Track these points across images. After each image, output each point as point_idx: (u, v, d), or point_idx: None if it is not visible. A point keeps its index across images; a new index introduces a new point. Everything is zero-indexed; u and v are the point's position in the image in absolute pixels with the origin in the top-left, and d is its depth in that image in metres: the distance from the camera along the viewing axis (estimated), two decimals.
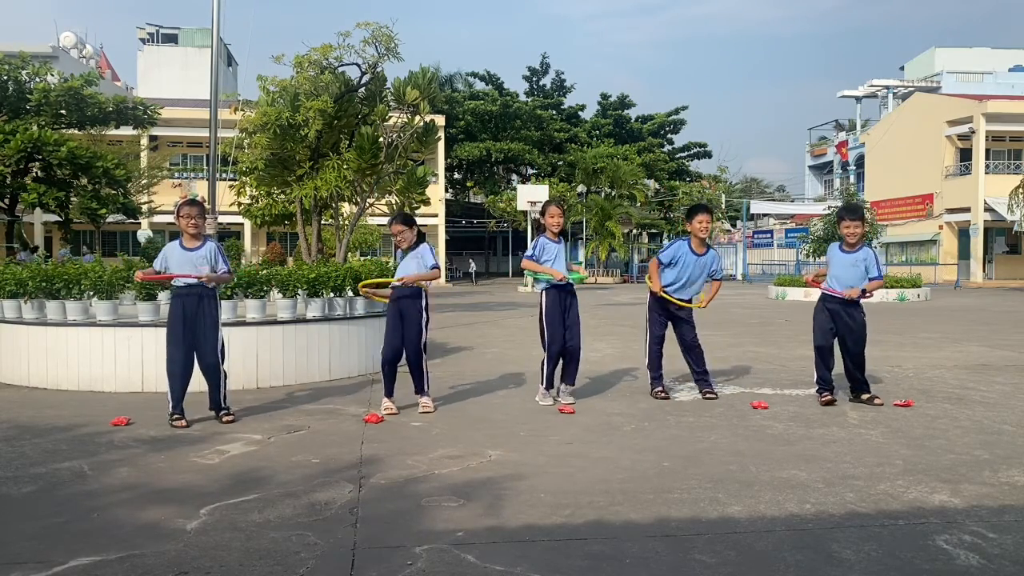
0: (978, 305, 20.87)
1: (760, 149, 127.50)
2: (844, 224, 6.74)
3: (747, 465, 4.81)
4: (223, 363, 6.14)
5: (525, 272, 6.98)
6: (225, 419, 6.02)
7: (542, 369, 6.79)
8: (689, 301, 7.03)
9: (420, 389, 6.48)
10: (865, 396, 6.72)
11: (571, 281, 6.67)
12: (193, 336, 6.02)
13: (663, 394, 6.99)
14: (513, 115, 45.62)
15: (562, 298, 6.67)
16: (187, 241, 6.05)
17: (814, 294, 6.98)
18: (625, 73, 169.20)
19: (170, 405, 5.97)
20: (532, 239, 7.03)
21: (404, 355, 6.42)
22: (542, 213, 6.82)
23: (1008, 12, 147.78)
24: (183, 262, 5.99)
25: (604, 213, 39.63)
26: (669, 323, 7.11)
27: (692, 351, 7.08)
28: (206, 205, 6.29)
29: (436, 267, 6.37)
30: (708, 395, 6.99)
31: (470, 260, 44.67)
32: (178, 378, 6.01)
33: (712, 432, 5.71)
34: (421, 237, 6.54)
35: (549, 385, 6.80)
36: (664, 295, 6.96)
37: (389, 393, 6.41)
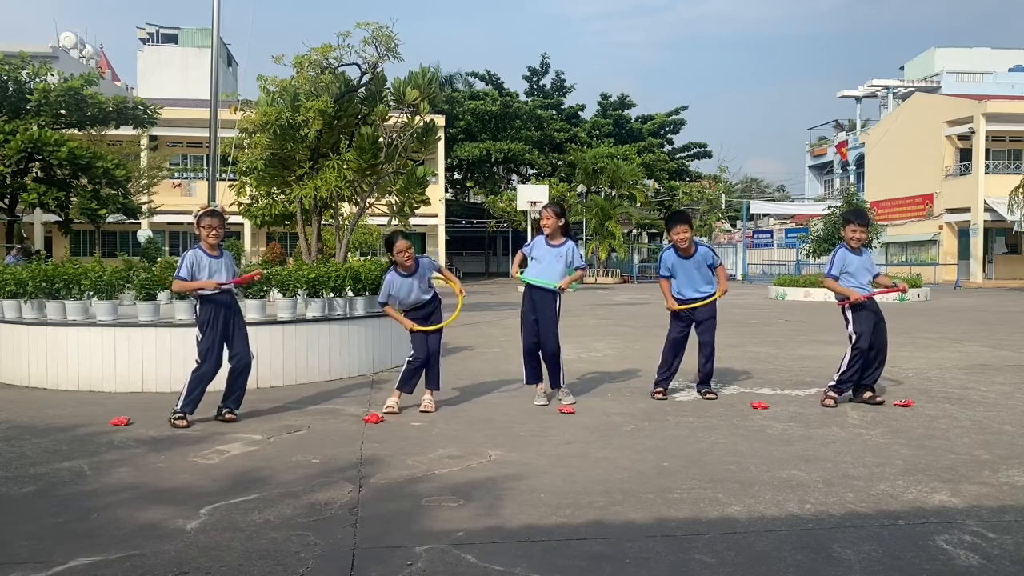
0: (978, 305, 20.87)
1: (760, 149, 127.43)
2: (851, 228, 6.76)
3: (747, 465, 4.81)
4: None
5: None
6: (228, 417, 6.03)
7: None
8: (707, 297, 6.98)
9: (436, 385, 6.58)
10: (867, 395, 6.73)
11: (529, 282, 6.67)
12: (229, 339, 6.08)
13: (661, 395, 7.01)
14: (513, 115, 45.60)
15: (532, 298, 6.72)
16: (208, 249, 6.06)
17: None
18: (625, 73, 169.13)
19: (180, 405, 5.95)
20: (532, 238, 7.07)
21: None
22: (539, 215, 6.97)
23: (1008, 12, 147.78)
24: (213, 269, 6.01)
25: (604, 213, 39.61)
26: (690, 328, 7.06)
27: (705, 349, 7.06)
28: (225, 213, 6.31)
29: (439, 269, 6.73)
30: (708, 395, 7.00)
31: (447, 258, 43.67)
32: (208, 384, 6.03)
33: (712, 432, 5.71)
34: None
35: (528, 380, 6.85)
36: (681, 309, 6.94)
37: (406, 390, 6.44)
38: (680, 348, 7.07)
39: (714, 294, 7.01)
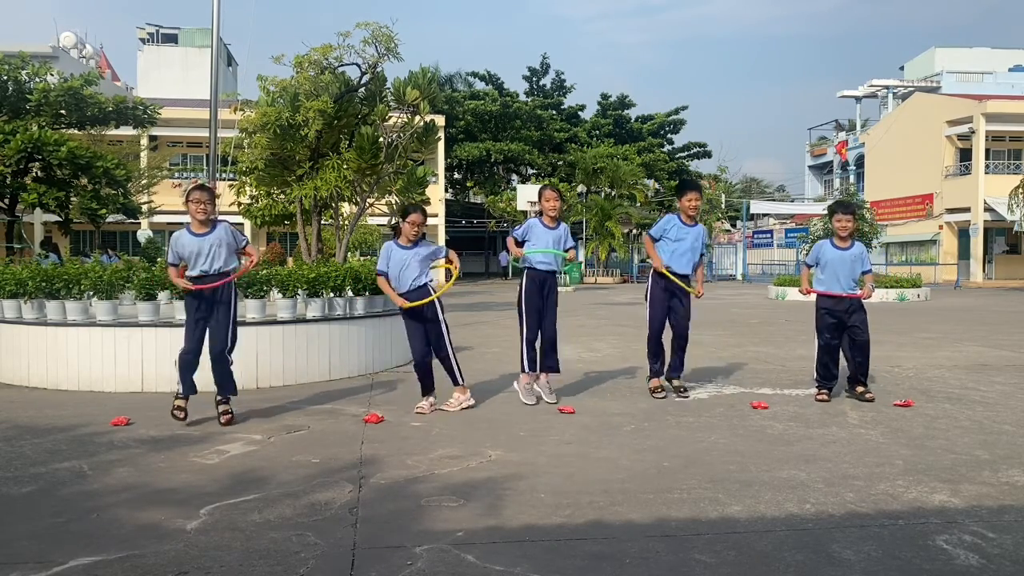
0: (978, 305, 20.87)
1: (760, 149, 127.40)
2: (836, 218, 6.94)
3: (747, 465, 4.81)
4: (231, 352, 6.08)
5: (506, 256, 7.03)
6: (222, 411, 5.99)
7: (521, 355, 6.76)
8: (687, 280, 6.96)
9: (457, 380, 6.53)
10: (860, 389, 6.84)
11: (532, 264, 6.58)
12: (206, 324, 5.98)
13: (660, 392, 6.99)
14: (513, 115, 45.56)
15: (541, 283, 6.65)
16: (196, 228, 5.94)
17: (814, 294, 7.01)
18: (625, 73, 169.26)
19: (180, 389, 5.99)
20: (525, 222, 6.96)
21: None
22: (539, 198, 6.88)
23: (1008, 12, 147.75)
24: (200, 250, 5.88)
25: (604, 213, 39.60)
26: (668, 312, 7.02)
27: (682, 342, 7.05)
28: (217, 192, 6.19)
29: (450, 257, 6.54)
30: (682, 393, 6.98)
31: (504, 254, 45.02)
32: (190, 367, 6.00)
33: (712, 432, 5.71)
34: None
35: (531, 368, 6.75)
36: (667, 272, 6.86)
37: (428, 391, 6.45)
38: (661, 337, 7.04)
39: (693, 285, 7.02)
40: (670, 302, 6.98)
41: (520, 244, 6.70)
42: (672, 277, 6.87)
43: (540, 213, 6.86)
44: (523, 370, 6.78)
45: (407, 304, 6.27)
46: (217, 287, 5.95)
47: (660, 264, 6.90)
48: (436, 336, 6.42)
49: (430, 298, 6.31)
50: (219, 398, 6.08)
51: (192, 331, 5.97)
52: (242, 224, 32.01)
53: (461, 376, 6.54)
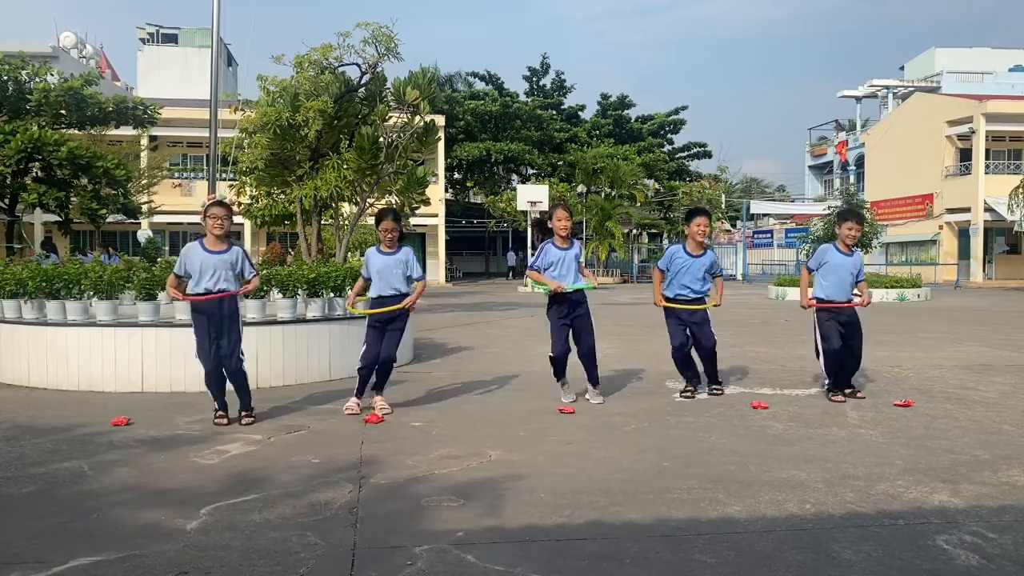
0: (978, 305, 20.86)
1: (760, 149, 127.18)
2: (847, 226, 6.95)
3: (747, 465, 4.81)
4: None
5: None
6: (245, 421, 5.97)
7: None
8: (702, 302, 6.99)
9: (382, 389, 6.46)
10: (848, 391, 6.96)
11: (567, 291, 6.59)
12: (218, 342, 5.95)
13: (689, 394, 7.01)
14: (513, 115, 45.56)
15: (565, 307, 6.68)
16: (211, 243, 5.96)
17: None
18: (625, 73, 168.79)
19: (215, 405, 6.05)
20: (533, 239, 6.99)
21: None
22: (550, 217, 6.84)
23: (1008, 12, 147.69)
24: (206, 267, 5.88)
25: (604, 213, 39.57)
26: (688, 330, 7.02)
27: (709, 356, 7.11)
28: (234, 208, 6.21)
29: (422, 278, 6.46)
30: (715, 391, 7.12)
31: (511, 253, 45.94)
32: (216, 386, 6.01)
33: (712, 432, 5.71)
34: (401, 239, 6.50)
35: (558, 378, 6.85)
36: (670, 305, 6.94)
37: (361, 393, 6.39)
38: (688, 351, 7.05)
39: (708, 294, 7.02)
40: (687, 325, 6.99)
41: (542, 270, 6.71)
42: (679, 306, 6.91)
43: (550, 232, 6.81)
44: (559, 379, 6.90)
45: (355, 310, 6.40)
46: (223, 300, 5.94)
47: (659, 300, 7.01)
48: (396, 341, 6.36)
49: (393, 308, 6.23)
50: (243, 413, 6.03)
51: (208, 351, 5.94)
52: (243, 224, 32.05)
53: (383, 387, 6.46)
